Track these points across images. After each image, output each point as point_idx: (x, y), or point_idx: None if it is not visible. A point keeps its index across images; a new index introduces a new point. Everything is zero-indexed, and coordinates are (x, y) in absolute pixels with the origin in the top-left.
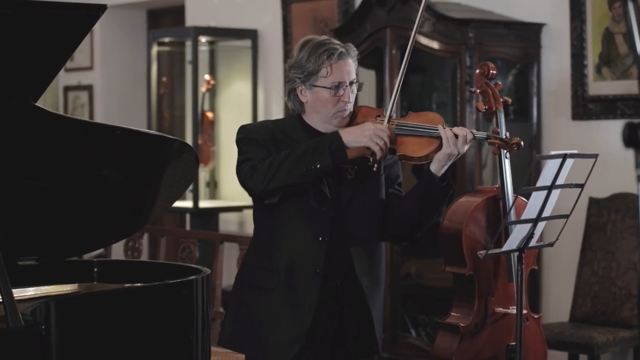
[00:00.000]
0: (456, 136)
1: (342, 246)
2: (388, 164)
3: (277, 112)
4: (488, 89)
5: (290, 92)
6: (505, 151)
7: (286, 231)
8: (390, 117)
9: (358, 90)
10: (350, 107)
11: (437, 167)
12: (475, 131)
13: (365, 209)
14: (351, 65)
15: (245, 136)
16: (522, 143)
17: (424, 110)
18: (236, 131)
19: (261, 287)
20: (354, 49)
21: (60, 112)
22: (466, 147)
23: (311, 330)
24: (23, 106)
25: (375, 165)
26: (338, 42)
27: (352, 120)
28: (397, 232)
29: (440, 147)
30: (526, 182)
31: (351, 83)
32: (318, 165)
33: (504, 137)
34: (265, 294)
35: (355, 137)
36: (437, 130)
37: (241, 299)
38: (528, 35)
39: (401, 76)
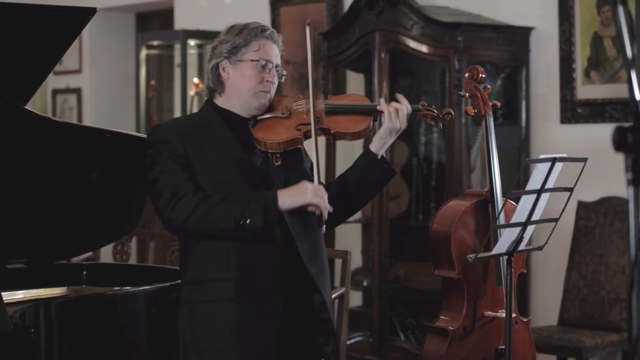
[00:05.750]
0: (397, 110)
1: (290, 239)
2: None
3: None
4: (477, 92)
5: (212, 69)
6: (439, 123)
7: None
8: (314, 99)
9: (280, 80)
10: (273, 90)
11: (378, 145)
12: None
13: None
14: (278, 51)
15: (158, 138)
16: (452, 112)
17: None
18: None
19: (215, 300)
20: (281, 39)
21: (49, 115)
22: (406, 123)
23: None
24: (12, 109)
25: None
26: None
27: (270, 109)
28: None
29: (371, 124)
30: (515, 185)
31: (277, 66)
32: (248, 221)
33: (435, 111)
34: (221, 305)
35: (293, 198)
36: (371, 106)
37: (192, 321)
38: (517, 39)
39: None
